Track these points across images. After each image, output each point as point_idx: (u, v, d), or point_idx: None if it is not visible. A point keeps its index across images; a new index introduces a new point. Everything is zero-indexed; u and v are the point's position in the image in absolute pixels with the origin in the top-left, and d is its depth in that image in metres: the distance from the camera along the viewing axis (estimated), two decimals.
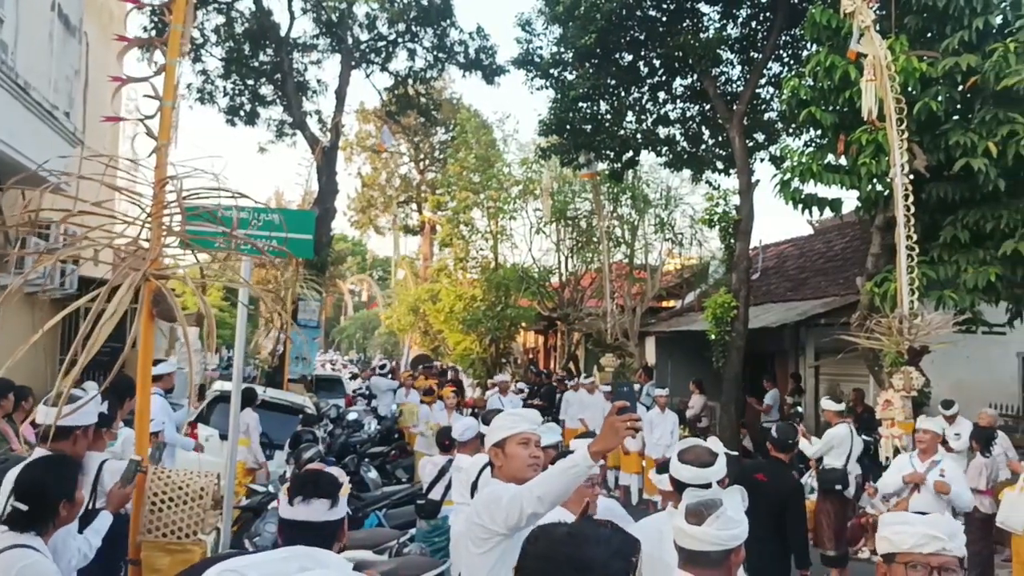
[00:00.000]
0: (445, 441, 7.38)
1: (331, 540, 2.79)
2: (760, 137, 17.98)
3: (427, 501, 7.24)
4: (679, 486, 3.38)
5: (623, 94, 17.62)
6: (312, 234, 5.80)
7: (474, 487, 5.20)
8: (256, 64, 21.11)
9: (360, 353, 54.89)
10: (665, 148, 18.58)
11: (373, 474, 10.55)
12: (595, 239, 24.22)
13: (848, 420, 9.59)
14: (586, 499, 3.52)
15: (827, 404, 9.69)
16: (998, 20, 10.41)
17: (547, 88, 17.84)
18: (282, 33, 20.35)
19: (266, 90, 21.86)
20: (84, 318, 3.23)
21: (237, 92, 21.54)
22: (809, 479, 11.14)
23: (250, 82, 21.53)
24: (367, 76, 22.71)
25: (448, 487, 6.70)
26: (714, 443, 3.63)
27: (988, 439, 9.03)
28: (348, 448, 12.62)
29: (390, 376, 20.36)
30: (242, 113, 21.70)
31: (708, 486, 3.28)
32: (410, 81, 23.17)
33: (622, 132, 17.96)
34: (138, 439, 3.97)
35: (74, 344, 3.15)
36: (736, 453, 7.68)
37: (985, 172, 9.80)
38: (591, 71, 16.68)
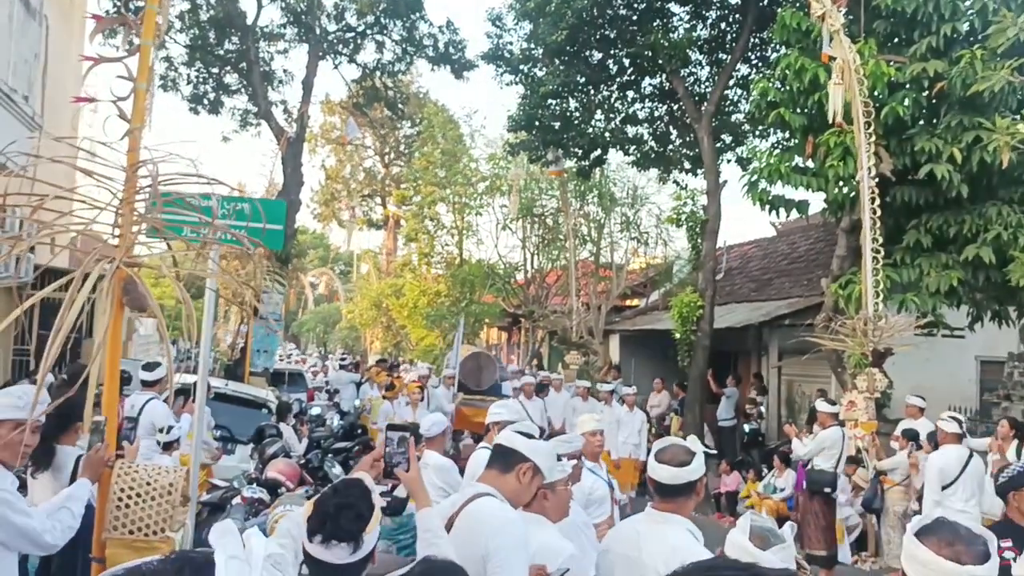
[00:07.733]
0: None
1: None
2: (727, 139, 18.10)
3: (392, 498, 7.15)
4: (657, 486, 3.32)
5: (592, 92, 17.63)
6: (283, 224, 5.69)
7: None
8: (221, 52, 20.76)
9: (321, 348, 54.49)
10: (633, 147, 18.64)
11: (337, 470, 10.40)
12: (561, 236, 24.25)
13: (841, 423, 9.38)
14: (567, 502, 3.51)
15: (821, 406, 9.28)
16: (965, 27, 10.47)
17: (516, 84, 17.85)
18: (248, 21, 20.03)
19: (231, 79, 21.52)
20: (42, 308, 3.07)
21: (201, 80, 21.19)
22: (772, 479, 11.26)
23: (215, 70, 21.19)
24: (335, 67, 22.53)
25: None
26: (692, 442, 3.54)
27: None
28: (311, 444, 12.46)
29: (352, 369, 20.22)
30: (206, 101, 21.34)
31: (689, 485, 3.25)
32: (378, 74, 22.99)
33: (590, 130, 17.97)
34: (107, 433, 3.84)
35: (51, 335, 2.98)
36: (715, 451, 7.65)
37: (948, 178, 9.92)
38: (561, 68, 16.66)
